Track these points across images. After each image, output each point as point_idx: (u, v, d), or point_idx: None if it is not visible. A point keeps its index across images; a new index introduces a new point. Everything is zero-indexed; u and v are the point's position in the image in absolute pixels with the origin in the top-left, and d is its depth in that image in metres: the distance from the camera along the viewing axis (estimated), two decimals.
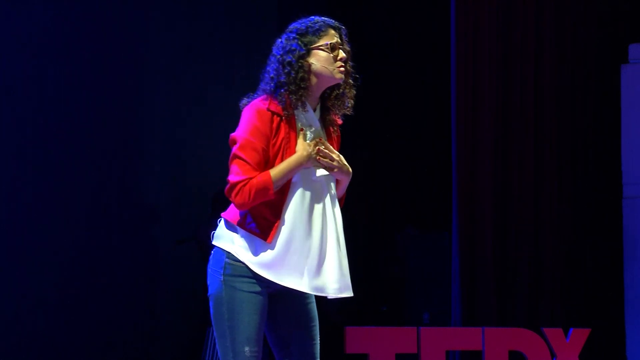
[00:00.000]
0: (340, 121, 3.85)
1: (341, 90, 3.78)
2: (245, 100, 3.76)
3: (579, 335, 5.85)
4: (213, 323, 3.74)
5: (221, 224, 3.77)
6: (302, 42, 3.72)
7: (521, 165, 7.55)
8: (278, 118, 3.68)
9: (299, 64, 3.69)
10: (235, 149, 3.66)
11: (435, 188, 8.70)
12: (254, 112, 3.67)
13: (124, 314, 7.71)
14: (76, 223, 7.53)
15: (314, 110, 3.77)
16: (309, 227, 3.67)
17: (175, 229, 7.91)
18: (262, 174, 3.62)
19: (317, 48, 3.72)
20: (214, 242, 3.78)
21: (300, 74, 3.68)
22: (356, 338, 5.43)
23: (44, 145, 7.43)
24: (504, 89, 7.56)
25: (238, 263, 3.67)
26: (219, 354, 3.73)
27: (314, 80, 3.72)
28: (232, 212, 3.72)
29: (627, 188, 7.52)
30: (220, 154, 8.35)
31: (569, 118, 7.75)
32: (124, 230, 7.82)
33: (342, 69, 3.73)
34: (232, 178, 3.63)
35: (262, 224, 3.66)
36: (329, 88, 3.77)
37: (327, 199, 3.73)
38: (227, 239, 3.71)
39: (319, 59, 3.72)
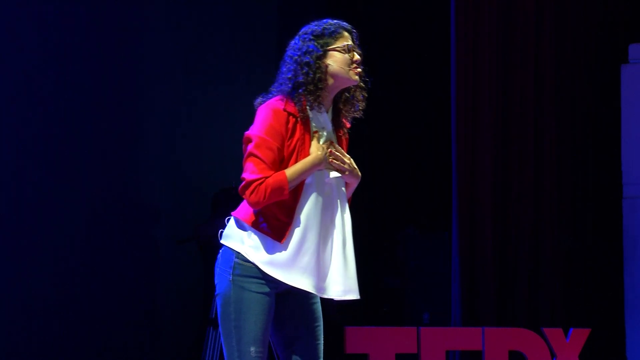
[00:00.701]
0: (348, 124, 3.88)
1: (352, 93, 3.82)
2: (259, 100, 3.78)
3: (579, 335, 5.85)
4: (220, 322, 3.73)
5: (231, 223, 3.77)
6: (318, 43, 3.75)
7: (521, 165, 7.55)
8: (294, 119, 3.70)
9: (317, 64, 3.72)
10: (250, 147, 3.67)
11: (435, 188, 8.70)
12: (270, 111, 3.69)
13: (124, 314, 7.70)
14: (76, 223, 7.53)
15: (327, 112, 3.80)
16: (320, 229, 3.70)
17: (175, 229, 7.91)
18: (278, 174, 3.64)
19: (334, 49, 3.76)
20: (222, 241, 3.77)
21: (317, 75, 3.71)
22: (356, 338, 5.43)
23: (44, 145, 7.42)
24: (504, 89, 7.56)
25: (247, 263, 3.68)
26: (224, 352, 3.74)
27: (330, 81, 3.75)
28: (243, 211, 3.73)
29: (627, 188, 7.52)
30: (221, 154, 8.38)
31: (569, 118, 7.75)
32: (124, 231, 7.82)
33: (358, 70, 3.77)
34: (247, 176, 3.64)
35: (274, 224, 3.68)
36: (341, 90, 3.80)
37: (338, 202, 3.76)
38: (237, 239, 3.72)
39: (335, 60, 3.75)
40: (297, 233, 3.67)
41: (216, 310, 3.80)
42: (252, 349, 3.66)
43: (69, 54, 7.60)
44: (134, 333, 7.81)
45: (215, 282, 3.78)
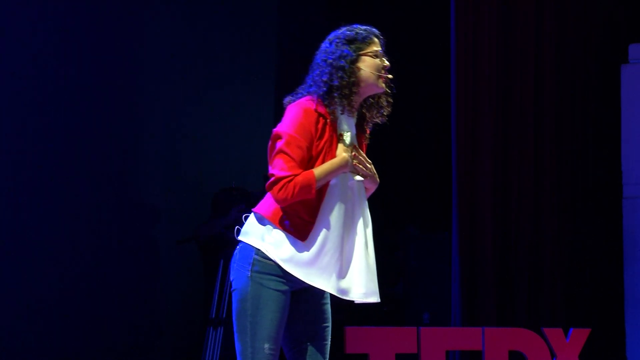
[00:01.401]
0: (369, 130, 3.94)
1: (377, 99, 3.88)
2: (289, 98, 3.82)
3: (579, 335, 5.84)
4: (234, 318, 3.74)
5: (251, 220, 3.79)
6: (351, 48, 3.80)
7: (521, 165, 7.55)
8: (324, 120, 3.75)
9: (351, 69, 3.77)
10: (280, 144, 3.70)
11: (436, 188, 8.70)
12: (301, 110, 3.73)
13: (124, 314, 7.71)
14: (76, 223, 7.53)
15: (353, 116, 3.83)
16: (343, 230, 3.73)
17: (175, 229, 7.91)
18: (306, 172, 3.67)
19: (366, 54, 3.82)
20: (240, 238, 3.79)
21: (352, 79, 3.77)
22: (356, 338, 5.42)
23: (43, 146, 7.43)
24: (504, 89, 7.56)
25: (267, 261, 3.70)
26: (236, 348, 3.74)
27: (361, 85, 3.80)
28: (265, 207, 3.75)
29: (627, 188, 7.52)
30: (221, 154, 8.37)
31: (569, 118, 7.75)
32: (124, 231, 7.82)
33: (388, 76, 3.85)
34: (277, 172, 3.66)
35: (297, 222, 3.70)
36: (367, 96, 3.85)
37: (360, 204, 3.80)
38: (257, 235, 3.73)
39: (367, 65, 3.81)
40: (320, 233, 3.69)
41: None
42: (267, 345, 3.68)
43: (69, 54, 7.60)
44: (134, 333, 7.81)
45: (232, 278, 3.79)
